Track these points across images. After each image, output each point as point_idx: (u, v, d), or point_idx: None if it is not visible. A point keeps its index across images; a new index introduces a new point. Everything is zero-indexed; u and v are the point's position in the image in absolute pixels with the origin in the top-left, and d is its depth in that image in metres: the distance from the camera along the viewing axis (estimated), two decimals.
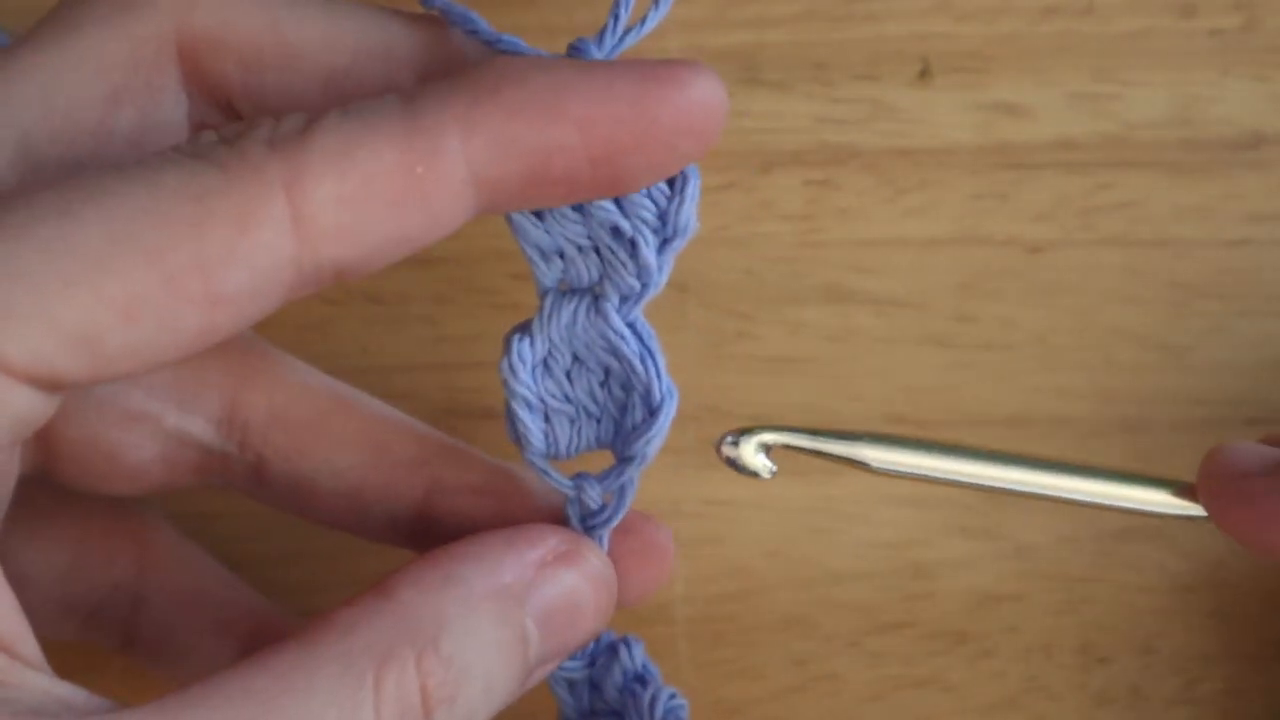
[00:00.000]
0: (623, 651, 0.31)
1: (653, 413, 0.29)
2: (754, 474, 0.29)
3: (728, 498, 0.35)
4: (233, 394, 0.30)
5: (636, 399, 0.29)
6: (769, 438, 0.29)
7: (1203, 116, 0.36)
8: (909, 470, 0.29)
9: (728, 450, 0.29)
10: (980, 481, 0.29)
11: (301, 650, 0.25)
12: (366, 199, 0.24)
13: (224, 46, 0.27)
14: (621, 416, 0.29)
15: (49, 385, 0.23)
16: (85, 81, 0.26)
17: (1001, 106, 0.36)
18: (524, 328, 0.29)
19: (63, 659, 0.25)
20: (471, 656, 0.26)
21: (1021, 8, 0.36)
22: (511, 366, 0.29)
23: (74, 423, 0.29)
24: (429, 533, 0.30)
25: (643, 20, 0.28)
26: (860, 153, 0.36)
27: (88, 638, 0.32)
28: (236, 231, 0.23)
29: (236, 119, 0.28)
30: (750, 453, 0.29)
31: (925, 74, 0.36)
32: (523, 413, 0.29)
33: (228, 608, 0.32)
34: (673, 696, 0.31)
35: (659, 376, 0.29)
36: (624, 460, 0.29)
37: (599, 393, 0.29)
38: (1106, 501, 0.30)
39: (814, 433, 0.29)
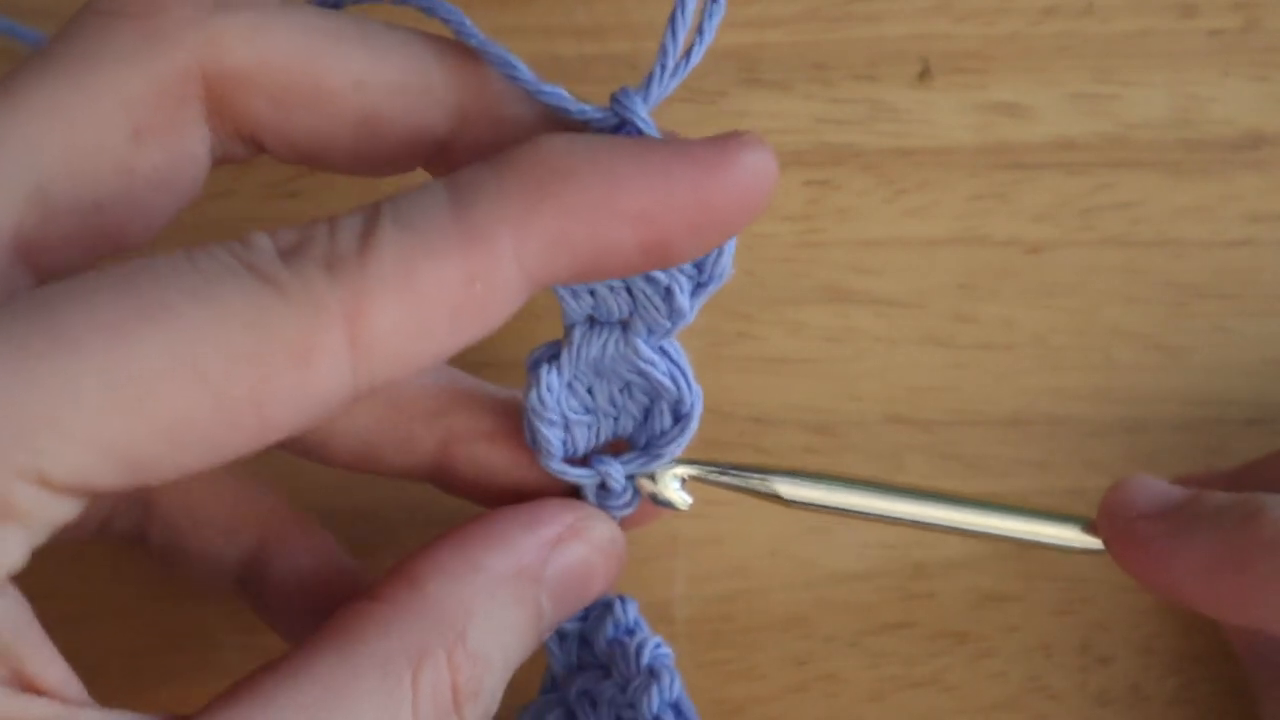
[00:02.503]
0: (617, 607, 0.32)
1: (679, 419, 0.29)
2: (672, 506, 0.30)
3: (728, 498, 0.35)
4: None
5: (664, 406, 0.29)
6: (683, 471, 0.30)
7: (1203, 116, 0.36)
8: (821, 503, 0.30)
9: (646, 485, 0.30)
10: (893, 516, 0.30)
11: (343, 657, 0.25)
12: (426, 323, 0.24)
13: (254, 84, 0.26)
14: (644, 418, 0.30)
15: (85, 494, 0.23)
16: (107, 121, 0.26)
17: (1001, 106, 0.36)
18: (552, 358, 0.29)
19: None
20: (494, 645, 0.27)
21: (1021, 8, 0.36)
22: (541, 399, 0.29)
23: None
24: (445, 475, 0.31)
25: (687, 57, 0.27)
26: (860, 153, 0.36)
27: (104, 539, 0.32)
28: (296, 365, 0.23)
29: (260, 151, 0.28)
30: (667, 486, 0.30)
31: (925, 74, 0.36)
32: (546, 430, 0.29)
33: (235, 511, 0.32)
34: (659, 645, 0.31)
35: (690, 388, 0.29)
36: (652, 456, 0.30)
37: (618, 397, 0.30)
38: (1016, 535, 0.30)
39: (728, 467, 0.30)
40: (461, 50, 0.28)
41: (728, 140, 0.25)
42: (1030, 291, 0.36)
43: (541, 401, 0.29)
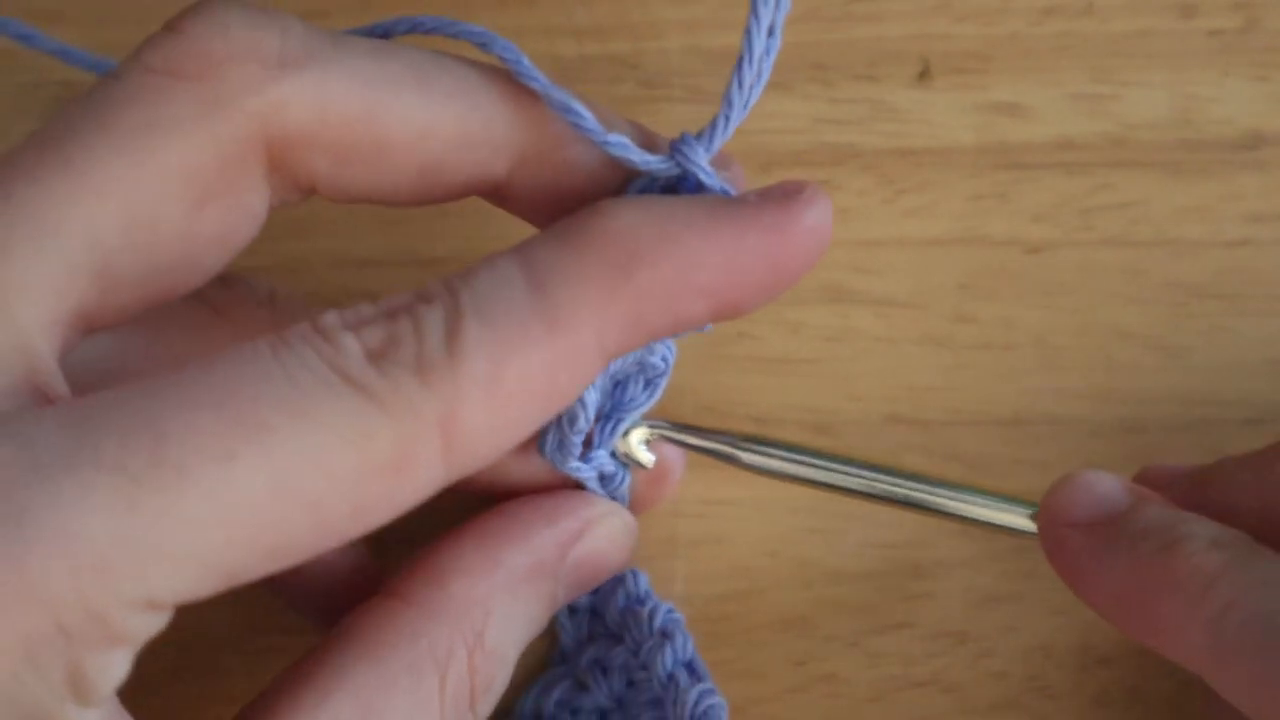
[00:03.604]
0: (629, 580, 0.32)
1: (649, 386, 0.31)
2: (639, 464, 0.32)
3: (728, 498, 0.35)
4: None
5: (641, 378, 0.31)
6: (645, 431, 0.32)
7: (1203, 116, 0.36)
8: (777, 470, 0.31)
9: (618, 443, 0.31)
10: (845, 488, 0.31)
11: (376, 667, 0.27)
12: (515, 417, 0.24)
13: (316, 144, 0.26)
14: (613, 388, 0.31)
15: (182, 604, 0.23)
16: (170, 192, 0.25)
17: (1001, 106, 0.36)
18: None
19: None
20: (510, 641, 0.28)
21: (1021, 8, 0.36)
22: (588, 419, 0.29)
23: None
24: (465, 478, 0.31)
25: (740, 81, 0.27)
26: (860, 153, 0.36)
27: None
28: (393, 477, 0.23)
29: (312, 193, 0.27)
30: (631, 445, 0.32)
31: (925, 74, 0.36)
32: (577, 439, 0.30)
33: None
34: (670, 610, 0.32)
35: (673, 361, 0.31)
36: (618, 420, 0.31)
37: (604, 381, 0.30)
38: (965, 515, 0.31)
39: (689, 427, 0.32)
40: (521, 89, 0.27)
41: (791, 199, 0.26)
42: (1030, 291, 0.36)
43: (587, 420, 0.29)
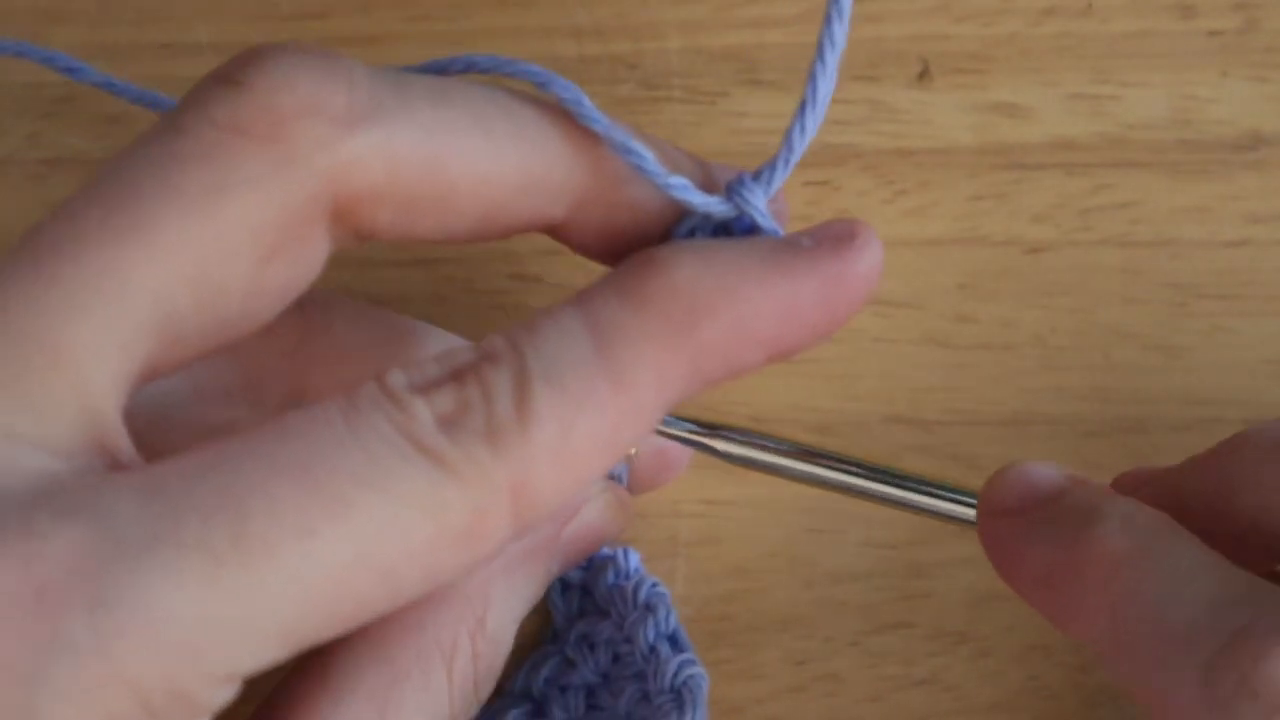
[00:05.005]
0: (619, 557, 0.33)
1: None
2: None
3: (727, 498, 0.35)
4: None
5: None
6: None
7: (1202, 117, 0.36)
8: (752, 460, 0.31)
9: None
10: (818, 478, 0.31)
11: (386, 666, 0.27)
12: (579, 475, 0.24)
13: (382, 199, 0.26)
14: None
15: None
16: (238, 252, 0.25)
17: (1001, 107, 0.36)
18: None
19: None
20: (508, 624, 0.29)
21: (1021, 8, 0.36)
22: None
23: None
24: None
25: (802, 125, 0.27)
26: (860, 153, 0.36)
27: None
28: (466, 544, 0.23)
29: (372, 239, 0.27)
30: None
31: (925, 74, 0.36)
32: None
33: None
34: (655, 585, 0.32)
35: None
36: None
37: None
38: (925, 507, 0.31)
39: (671, 418, 0.32)
40: (578, 129, 0.27)
41: (845, 245, 0.26)
42: (1030, 291, 0.36)
43: None
